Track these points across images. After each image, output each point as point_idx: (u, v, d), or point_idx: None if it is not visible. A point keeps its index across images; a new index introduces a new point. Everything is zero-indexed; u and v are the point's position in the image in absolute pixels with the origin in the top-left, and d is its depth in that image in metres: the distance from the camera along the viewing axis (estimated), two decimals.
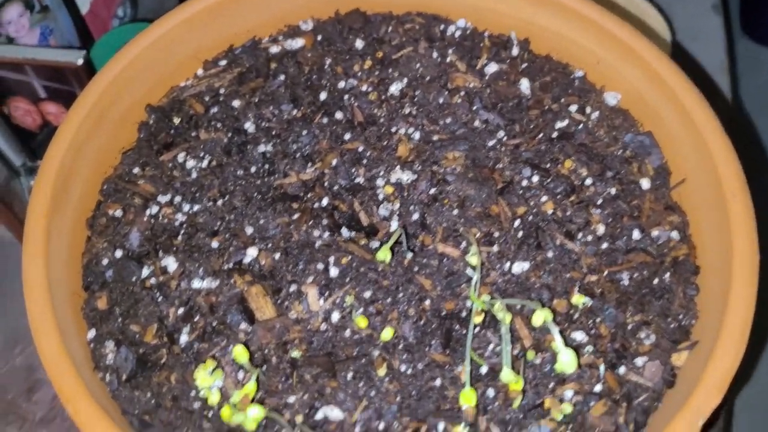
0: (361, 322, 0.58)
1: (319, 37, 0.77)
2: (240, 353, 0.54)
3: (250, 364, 0.55)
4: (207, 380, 0.55)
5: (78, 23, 1.04)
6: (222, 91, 0.73)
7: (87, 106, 0.65)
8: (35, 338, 0.55)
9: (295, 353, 0.58)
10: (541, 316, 0.55)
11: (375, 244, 0.64)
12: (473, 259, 0.60)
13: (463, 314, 0.61)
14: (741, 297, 0.55)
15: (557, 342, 0.54)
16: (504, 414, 0.57)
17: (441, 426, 0.56)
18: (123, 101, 0.69)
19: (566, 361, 0.53)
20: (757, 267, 0.56)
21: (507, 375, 0.54)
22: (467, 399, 0.54)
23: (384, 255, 0.60)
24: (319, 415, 0.56)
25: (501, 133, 0.69)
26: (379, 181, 0.67)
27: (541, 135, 0.69)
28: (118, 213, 0.66)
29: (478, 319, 0.58)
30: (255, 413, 0.51)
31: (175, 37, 0.72)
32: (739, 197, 0.59)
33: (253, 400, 0.55)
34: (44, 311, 0.55)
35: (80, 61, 0.85)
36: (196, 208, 0.66)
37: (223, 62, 0.76)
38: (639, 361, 0.59)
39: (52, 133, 1.00)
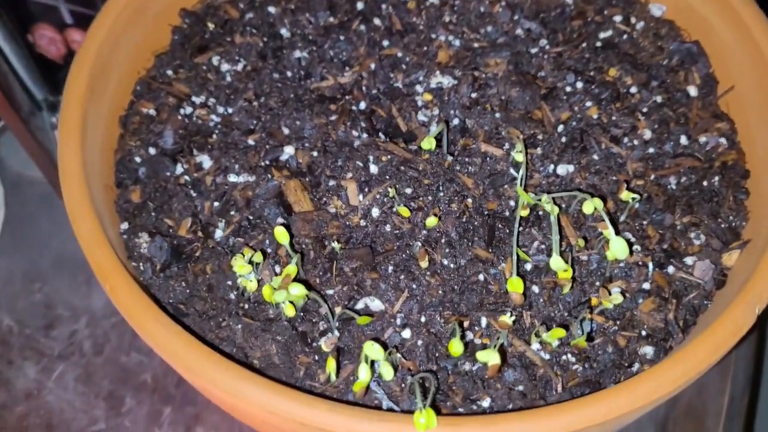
0: (404, 211, 0.57)
1: None
2: (281, 233, 0.52)
3: (290, 248, 0.53)
4: (245, 268, 0.54)
5: None
6: None
7: (122, 1, 0.63)
8: (72, 221, 0.53)
9: (335, 246, 0.57)
10: (591, 205, 0.53)
11: (414, 148, 0.62)
12: (519, 156, 0.58)
13: (507, 214, 0.59)
14: None
15: (609, 229, 0.52)
16: (549, 310, 0.55)
17: (484, 321, 0.54)
18: (155, 3, 0.68)
19: (618, 248, 0.51)
20: None
21: (556, 262, 0.52)
22: (515, 287, 0.52)
23: (428, 144, 0.58)
24: (359, 306, 0.55)
25: (543, 42, 0.68)
26: (418, 87, 0.66)
27: (584, 44, 0.68)
28: (152, 112, 0.65)
29: (524, 212, 0.57)
30: (297, 291, 0.50)
31: None
32: None
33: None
34: (81, 194, 0.54)
35: None
36: (230, 110, 0.65)
37: None
38: (688, 260, 0.57)
39: None
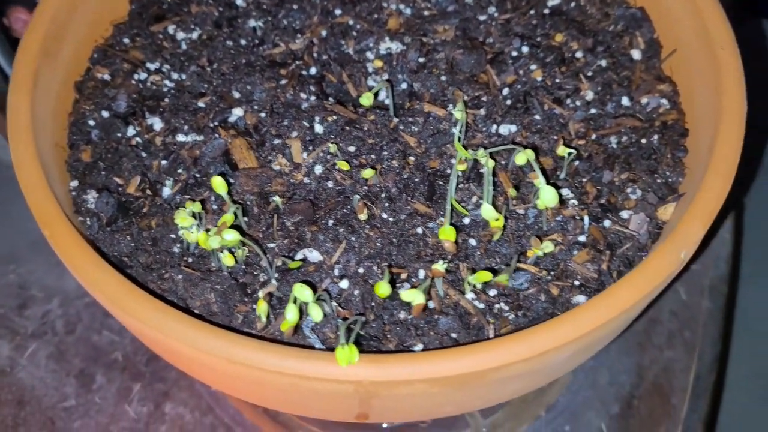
0: (343, 165, 0.58)
1: None
2: (218, 183, 0.53)
3: (229, 198, 0.55)
4: (187, 221, 0.55)
5: None
6: None
7: None
8: (17, 170, 0.55)
9: (277, 202, 0.58)
10: (524, 157, 0.54)
11: (361, 111, 0.63)
12: (458, 113, 0.59)
13: (448, 171, 0.60)
14: (729, 132, 0.54)
15: (539, 178, 0.53)
16: (486, 262, 0.56)
17: (422, 273, 0.55)
18: None
19: (547, 196, 0.52)
20: (744, 109, 0.55)
21: (487, 210, 0.53)
22: (447, 235, 0.53)
23: (367, 100, 0.59)
24: (297, 257, 0.56)
25: (492, 9, 0.69)
26: (369, 54, 0.67)
27: (532, 11, 0.69)
28: (106, 77, 0.66)
29: (461, 167, 0.58)
30: (231, 237, 0.51)
31: None
32: (728, 49, 0.58)
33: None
34: (27, 145, 0.55)
35: None
36: (184, 76, 0.66)
37: None
38: (624, 214, 0.58)
39: None
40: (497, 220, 0.54)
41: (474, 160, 0.60)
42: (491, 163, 0.55)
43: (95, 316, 1.01)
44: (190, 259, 0.57)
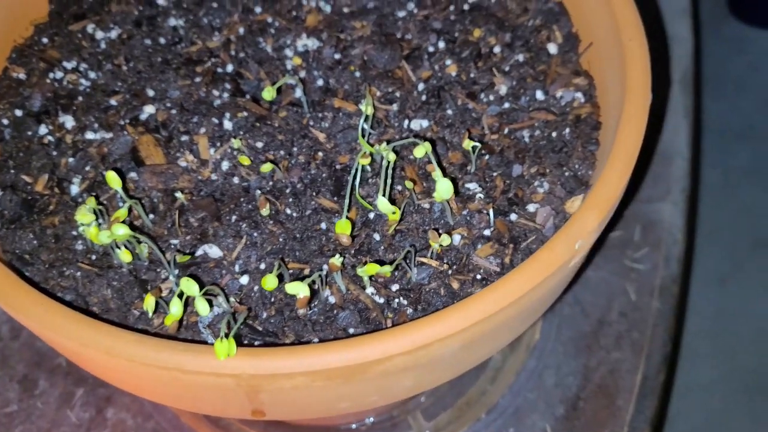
0: (244, 160, 0.58)
1: None
2: (112, 178, 0.53)
3: (126, 194, 0.54)
4: (87, 217, 0.54)
5: None
6: None
7: None
8: None
9: (181, 199, 0.57)
10: (422, 149, 0.53)
11: (275, 108, 0.63)
12: (368, 108, 0.59)
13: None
14: (630, 122, 0.53)
15: (436, 170, 0.52)
16: (390, 257, 0.55)
17: (325, 267, 0.55)
18: None
19: (442, 188, 0.52)
20: (647, 98, 0.54)
21: (383, 203, 0.52)
22: (342, 228, 0.53)
23: (269, 95, 0.59)
24: (198, 253, 0.55)
25: (411, 5, 0.69)
26: (288, 51, 0.67)
27: (452, 7, 0.69)
28: (22, 76, 0.66)
29: (364, 161, 0.57)
30: (121, 231, 0.50)
31: None
32: (636, 40, 0.58)
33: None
34: None
35: None
36: (100, 75, 0.66)
37: None
38: (531, 207, 0.57)
39: None
40: (394, 213, 0.53)
41: (381, 157, 0.59)
42: (392, 156, 0.55)
43: None
44: (93, 257, 0.56)
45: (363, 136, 0.60)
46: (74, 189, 0.59)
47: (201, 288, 0.49)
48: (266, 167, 0.57)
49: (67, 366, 0.97)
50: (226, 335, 0.45)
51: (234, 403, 0.50)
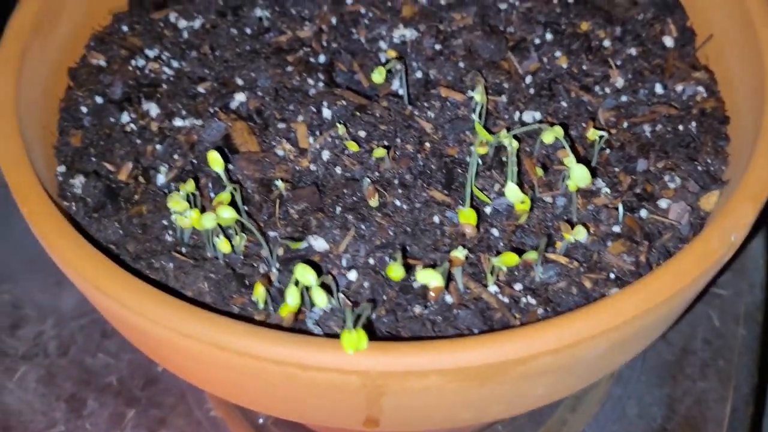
0: (352, 145, 0.53)
1: None
2: (214, 159, 0.48)
3: (226, 175, 0.49)
4: (180, 204, 0.50)
5: None
6: None
7: None
8: None
9: (281, 188, 0.53)
10: (551, 134, 0.49)
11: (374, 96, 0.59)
12: (478, 96, 0.54)
13: (467, 160, 0.55)
14: None
15: (570, 156, 0.48)
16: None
17: (438, 264, 0.50)
18: None
19: (579, 175, 0.47)
20: None
21: (512, 191, 0.48)
22: (467, 218, 0.48)
23: (379, 77, 0.55)
24: (301, 246, 0.50)
25: None
26: (382, 43, 0.63)
27: (555, 0, 0.65)
28: (102, 63, 0.62)
29: (482, 150, 0.53)
30: (227, 215, 0.46)
31: None
32: None
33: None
34: (7, 119, 0.51)
35: None
36: (184, 64, 0.62)
37: None
38: (662, 203, 0.52)
39: None
40: (523, 202, 0.48)
41: (496, 148, 0.55)
42: (515, 143, 0.50)
43: (90, 337, 0.96)
44: (183, 249, 0.52)
45: (474, 131, 0.56)
46: (160, 178, 0.55)
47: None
48: (379, 152, 0.52)
49: (118, 385, 0.92)
50: (354, 326, 0.40)
51: (348, 408, 0.45)
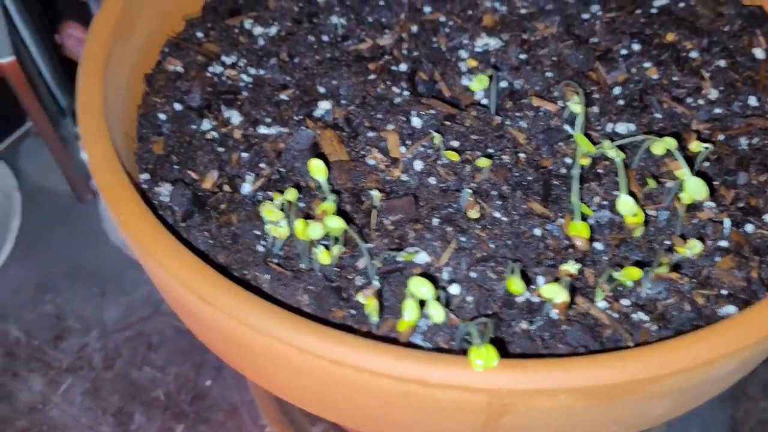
0: (451, 155, 0.52)
1: None
2: (317, 167, 0.47)
3: (327, 185, 0.48)
4: (275, 213, 0.48)
5: None
6: None
7: None
8: (87, 149, 0.49)
9: (375, 198, 0.51)
10: (662, 146, 0.47)
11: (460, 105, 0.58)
12: (576, 106, 0.53)
13: (563, 171, 0.54)
14: None
15: (684, 168, 0.46)
16: (614, 268, 0.49)
17: (541, 279, 0.48)
18: None
19: (694, 187, 0.45)
20: None
21: (625, 203, 0.46)
22: (579, 231, 0.46)
23: (480, 84, 0.53)
24: (401, 258, 0.49)
25: (595, 7, 0.64)
26: (462, 52, 0.62)
27: (639, 11, 0.64)
28: (179, 69, 0.61)
29: (584, 161, 0.51)
30: (335, 223, 0.44)
31: None
32: None
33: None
34: (98, 123, 0.49)
35: None
36: (262, 71, 0.61)
37: None
38: None
39: None
40: (635, 215, 0.47)
41: (592, 160, 0.53)
42: (621, 154, 0.49)
43: (136, 350, 0.94)
44: (275, 260, 0.50)
45: (570, 137, 0.54)
46: (246, 187, 0.53)
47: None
48: (482, 162, 0.51)
49: (166, 399, 0.90)
50: (480, 341, 0.39)
51: (462, 428, 0.43)
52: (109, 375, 0.91)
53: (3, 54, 0.75)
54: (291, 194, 0.47)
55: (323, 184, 0.47)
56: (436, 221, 0.51)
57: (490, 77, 0.56)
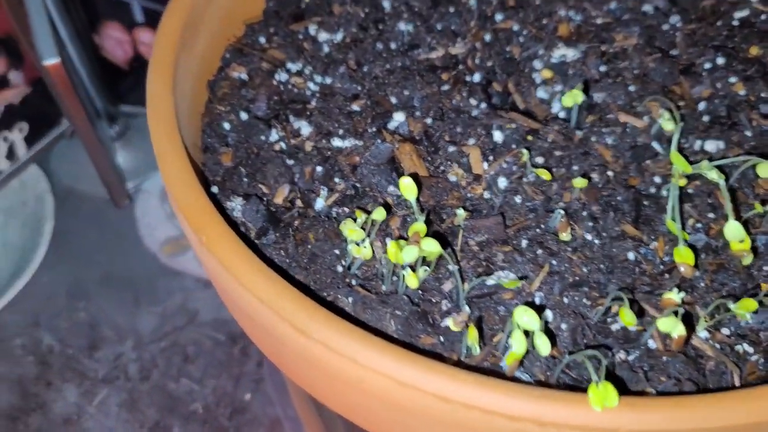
0: (543, 173, 0.49)
1: None
2: (408, 187, 0.44)
3: (417, 204, 0.45)
4: (357, 233, 0.46)
5: None
6: None
7: None
8: (162, 166, 0.46)
9: (460, 217, 0.49)
10: (766, 168, 0.45)
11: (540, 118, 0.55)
12: (668, 124, 0.51)
13: (651, 191, 0.51)
14: None
15: None
16: (711, 295, 0.46)
17: (636, 306, 0.46)
18: None
19: None
20: None
21: (732, 229, 0.44)
22: (683, 257, 0.44)
23: (571, 99, 0.51)
24: (490, 282, 0.46)
25: (675, 18, 0.61)
26: (537, 63, 0.59)
27: (719, 23, 0.61)
28: (243, 76, 0.58)
29: (681, 182, 0.49)
30: (432, 247, 0.41)
31: None
32: None
33: None
34: (172, 136, 0.47)
35: None
36: (329, 79, 0.58)
37: None
38: None
39: (139, 78, 0.94)
40: (742, 241, 0.45)
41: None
42: (722, 176, 0.46)
43: (172, 360, 0.92)
44: (353, 281, 0.48)
45: (657, 154, 0.52)
46: (320, 202, 0.51)
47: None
48: (579, 182, 0.48)
49: (204, 413, 0.88)
50: (598, 378, 0.36)
51: None
52: (146, 386, 0.88)
53: (48, 56, 0.73)
54: (379, 214, 0.45)
55: (413, 204, 0.45)
56: (524, 242, 0.48)
57: (582, 91, 0.53)
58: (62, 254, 0.98)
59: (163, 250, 0.93)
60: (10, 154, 0.92)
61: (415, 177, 0.51)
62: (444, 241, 0.49)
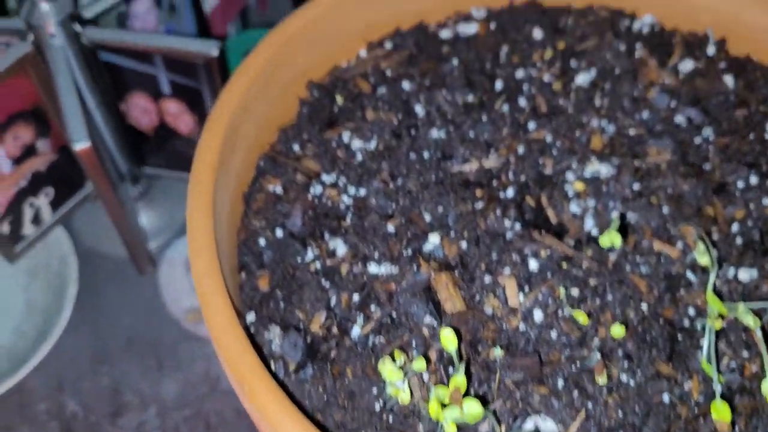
0: (581, 316, 0.49)
1: (493, 25, 0.70)
2: (448, 339, 0.45)
3: (457, 356, 0.46)
4: (395, 374, 0.46)
5: (201, 26, 1.00)
6: (389, 72, 0.67)
7: (255, 67, 0.58)
8: (205, 309, 0.47)
9: (498, 354, 0.49)
10: None
11: (571, 242, 0.55)
12: (703, 258, 0.51)
13: (685, 323, 0.52)
14: None
15: None
16: None
17: None
18: (284, 73, 0.63)
19: None
20: None
21: None
22: (720, 413, 0.44)
23: (610, 241, 0.51)
24: (528, 426, 0.47)
25: (707, 131, 0.62)
26: (570, 175, 0.59)
27: (752, 136, 0.61)
28: (278, 189, 0.59)
29: (717, 324, 0.49)
30: (474, 410, 0.42)
31: (339, 14, 0.66)
32: None
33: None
34: (214, 277, 0.47)
35: (215, 52, 0.79)
36: (363, 191, 0.59)
37: (389, 44, 0.69)
38: None
39: (163, 143, 0.94)
40: None
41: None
42: (758, 322, 0.47)
43: (195, 429, 0.92)
44: (390, 418, 0.48)
45: (690, 285, 0.52)
46: (356, 330, 0.51)
47: None
48: (616, 331, 0.49)
49: None
50: None
51: None
52: None
53: (80, 139, 0.73)
54: (419, 364, 0.45)
55: (454, 356, 0.45)
56: (560, 382, 0.48)
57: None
58: (85, 317, 0.99)
59: (187, 318, 0.93)
60: (36, 219, 0.93)
61: (449, 302, 0.51)
62: (481, 374, 0.49)
